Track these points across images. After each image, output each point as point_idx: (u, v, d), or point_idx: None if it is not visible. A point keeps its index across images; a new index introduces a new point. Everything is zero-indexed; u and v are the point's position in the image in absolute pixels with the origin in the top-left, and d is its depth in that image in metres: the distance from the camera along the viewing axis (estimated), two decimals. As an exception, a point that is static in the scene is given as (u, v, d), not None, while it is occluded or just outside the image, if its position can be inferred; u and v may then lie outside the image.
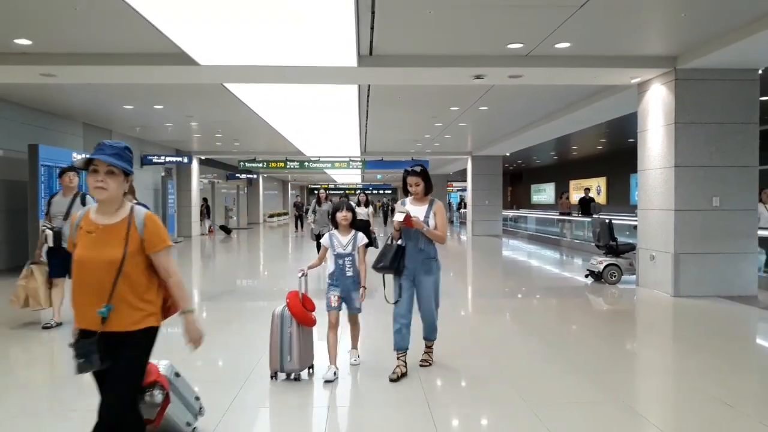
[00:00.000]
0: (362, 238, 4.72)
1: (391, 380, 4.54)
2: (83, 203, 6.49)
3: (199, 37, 7.00)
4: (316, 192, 13.17)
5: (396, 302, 4.68)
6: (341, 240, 4.67)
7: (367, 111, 13.08)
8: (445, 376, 4.77)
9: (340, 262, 4.65)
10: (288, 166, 22.96)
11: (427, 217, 4.62)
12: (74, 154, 12.36)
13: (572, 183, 32.97)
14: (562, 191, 19.72)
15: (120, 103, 12.23)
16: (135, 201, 5.89)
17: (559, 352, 5.63)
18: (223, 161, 26.79)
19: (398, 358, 4.72)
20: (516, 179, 42.02)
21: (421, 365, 4.89)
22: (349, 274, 4.65)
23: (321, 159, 23.10)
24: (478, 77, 8.53)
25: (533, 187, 40.02)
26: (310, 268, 4.67)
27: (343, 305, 4.73)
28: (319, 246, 11.42)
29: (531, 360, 5.30)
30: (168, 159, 19.24)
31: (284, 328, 4.47)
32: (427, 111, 13.39)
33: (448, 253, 17.47)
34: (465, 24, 6.65)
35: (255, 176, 33.36)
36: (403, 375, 4.65)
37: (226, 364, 5.31)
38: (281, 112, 13.35)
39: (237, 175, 29.23)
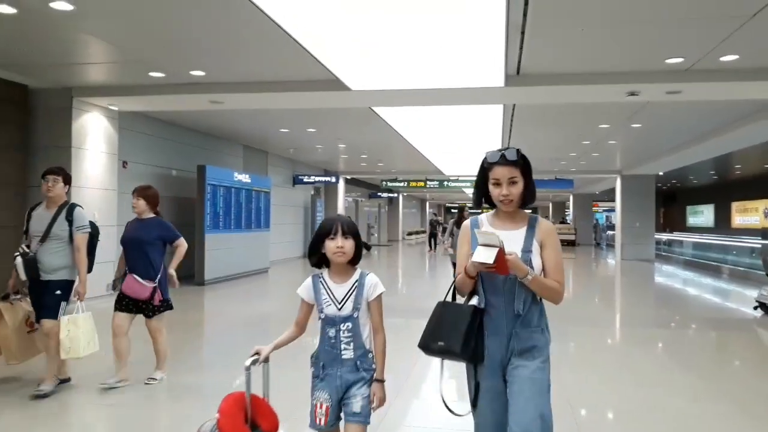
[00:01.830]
0: (374, 285, 2.53)
1: None
2: (69, 219, 4.72)
3: (352, 64, 7.35)
4: (454, 210, 12.75)
5: (473, 412, 2.52)
6: (333, 290, 2.51)
7: (510, 130, 12.93)
8: (595, 408, 4.56)
9: (331, 333, 2.49)
10: (428, 186, 23.27)
11: (527, 251, 2.43)
12: (235, 174, 13.44)
13: (735, 205, 30.26)
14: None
15: (277, 127, 13.12)
16: None
17: (721, 389, 5.17)
18: (367, 181, 27.72)
19: None
20: (669, 200, 39.26)
21: None
22: (348, 356, 2.49)
23: (460, 178, 23.17)
24: (631, 94, 8.15)
25: (689, 208, 37.21)
26: (277, 346, 2.55)
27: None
28: None
29: (689, 397, 4.91)
30: (317, 179, 20.30)
31: None
32: (574, 129, 12.97)
33: (593, 278, 16.72)
34: (619, 40, 6.40)
35: (395, 195, 34.17)
36: None
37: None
38: (423, 132, 13.59)
39: (379, 194, 30.13)
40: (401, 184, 23.81)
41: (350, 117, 11.74)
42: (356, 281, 2.52)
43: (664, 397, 4.83)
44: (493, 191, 2.44)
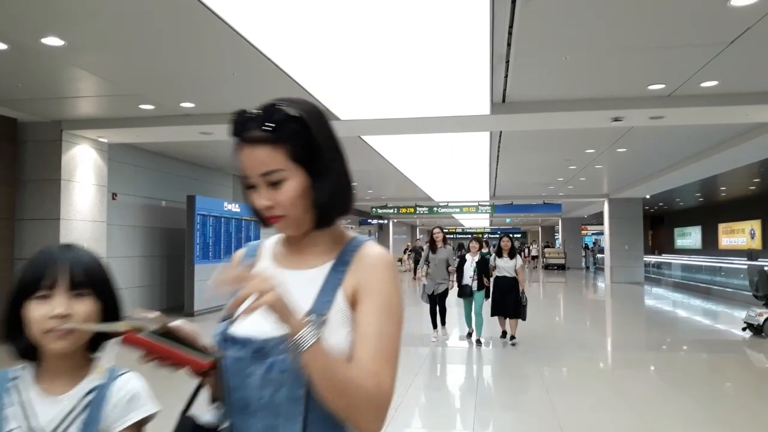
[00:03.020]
0: (130, 397, 1.21)
1: None
2: None
3: (340, 94, 7.45)
4: (429, 233, 9.37)
5: None
6: (37, 410, 1.16)
7: (498, 156, 13.08)
8: (589, 432, 4.57)
9: None
10: (417, 212, 23.38)
11: (320, 312, 1.11)
12: (225, 204, 13.45)
13: (721, 226, 30.56)
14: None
15: (266, 156, 13.15)
16: None
17: (714, 412, 5.20)
18: (357, 207, 27.79)
19: None
20: (657, 223, 39.60)
21: None
22: None
23: (450, 204, 23.30)
24: (616, 120, 8.29)
25: (677, 231, 37.50)
26: None
27: None
28: (434, 314, 8.78)
29: (682, 420, 4.93)
30: (306, 206, 20.32)
31: None
32: (561, 154, 13.14)
33: (584, 302, 16.76)
34: (602, 68, 6.54)
35: (385, 221, 34.24)
36: None
37: None
38: (412, 159, 13.71)
39: (369, 220, 30.21)
40: (391, 211, 23.89)
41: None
42: (92, 391, 1.20)
43: (657, 422, 4.84)
44: (251, 199, 1.20)
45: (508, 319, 8.47)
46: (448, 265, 8.70)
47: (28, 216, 8.92)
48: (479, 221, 41.05)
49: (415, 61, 6.24)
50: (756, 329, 9.00)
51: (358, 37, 5.57)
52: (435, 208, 23.21)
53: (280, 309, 0.99)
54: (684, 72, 6.66)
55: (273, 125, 1.12)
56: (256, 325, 1.10)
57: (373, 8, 4.89)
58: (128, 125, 8.78)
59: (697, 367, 7.46)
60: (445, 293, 8.74)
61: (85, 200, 9.35)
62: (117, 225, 10.85)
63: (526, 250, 34.84)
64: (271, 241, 1.33)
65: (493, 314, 8.53)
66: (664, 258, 26.09)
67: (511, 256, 8.43)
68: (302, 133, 1.15)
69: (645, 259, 22.89)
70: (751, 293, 9.96)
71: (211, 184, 14.63)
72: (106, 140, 9.71)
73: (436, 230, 8.95)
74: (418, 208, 23.14)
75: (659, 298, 16.72)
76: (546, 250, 34.11)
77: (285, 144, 1.13)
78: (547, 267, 32.07)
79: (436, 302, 8.73)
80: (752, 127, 9.97)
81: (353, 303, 1.13)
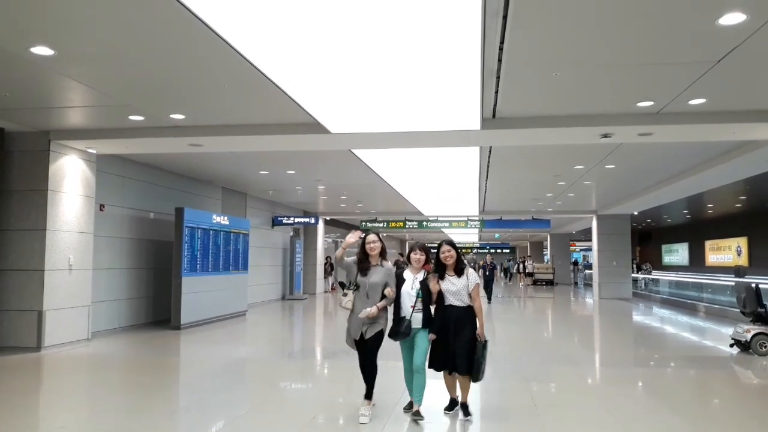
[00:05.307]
0: None
1: None
2: None
3: (331, 107, 7.44)
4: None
5: None
6: None
7: (487, 171, 13.12)
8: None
9: None
10: (407, 226, 23.38)
11: None
12: (214, 216, 13.38)
13: (708, 243, 30.78)
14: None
15: (256, 169, 13.15)
16: None
17: (701, 429, 5.18)
18: (347, 221, 27.72)
19: None
20: (644, 239, 39.82)
21: None
22: None
23: (439, 218, 23.34)
24: (605, 136, 8.34)
25: (664, 247, 37.72)
26: None
27: None
28: (367, 378, 5.30)
29: (674, 436, 4.92)
30: (296, 220, 20.30)
31: None
32: (550, 170, 13.20)
33: (573, 318, 16.77)
34: (592, 84, 6.59)
35: (375, 235, 34.22)
36: None
37: None
38: (402, 173, 13.72)
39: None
40: (380, 225, 23.88)
41: (330, 159, 11.82)
42: None
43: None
44: None
45: (457, 376, 5.32)
46: (382, 290, 5.24)
47: (14, 226, 8.81)
48: (468, 236, 41.11)
49: (407, 75, 6.26)
50: (743, 345, 9.03)
51: (350, 51, 5.58)
52: (424, 223, 23.24)
53: None
54: (672, 89, 6.72)
55: None
56: None
57: (365, 23, 4.90)
58: (117, 136, 8.73)
59: (685, 384, 7.45)
60: (380, 337, 5.26)
61: (72, 211, 9.26)
62: (104, 236, 10.75)
63: (521, 266, 34.68)
64: None
65: (431, 366, 5.28)
66: (653, 274, 26.21)
67: (459, 273, 5.30)
68: None
69: (633, 275, 22.99)
70: (738, 310, 10.00)
71: (200, 197, 14.57)
72: (94, 151, 9.65)
73: (371, 238, 5.37)
74: (407, 223, 23.15)
75: (647, 315, 16.77)
76: (536, 265, 34.19)
77: None
78: (535, 282, 32.15)
79: (366, 352, 5.27)
80: (739, 144, 10.08)
81: None
